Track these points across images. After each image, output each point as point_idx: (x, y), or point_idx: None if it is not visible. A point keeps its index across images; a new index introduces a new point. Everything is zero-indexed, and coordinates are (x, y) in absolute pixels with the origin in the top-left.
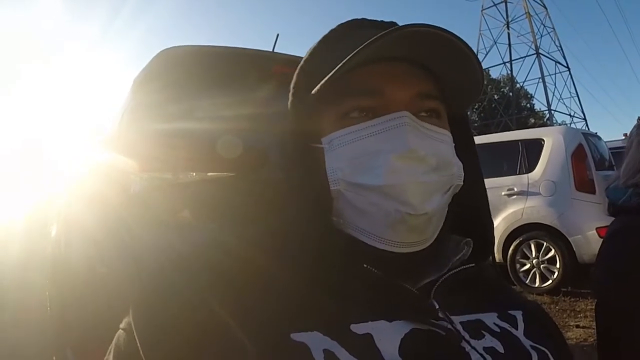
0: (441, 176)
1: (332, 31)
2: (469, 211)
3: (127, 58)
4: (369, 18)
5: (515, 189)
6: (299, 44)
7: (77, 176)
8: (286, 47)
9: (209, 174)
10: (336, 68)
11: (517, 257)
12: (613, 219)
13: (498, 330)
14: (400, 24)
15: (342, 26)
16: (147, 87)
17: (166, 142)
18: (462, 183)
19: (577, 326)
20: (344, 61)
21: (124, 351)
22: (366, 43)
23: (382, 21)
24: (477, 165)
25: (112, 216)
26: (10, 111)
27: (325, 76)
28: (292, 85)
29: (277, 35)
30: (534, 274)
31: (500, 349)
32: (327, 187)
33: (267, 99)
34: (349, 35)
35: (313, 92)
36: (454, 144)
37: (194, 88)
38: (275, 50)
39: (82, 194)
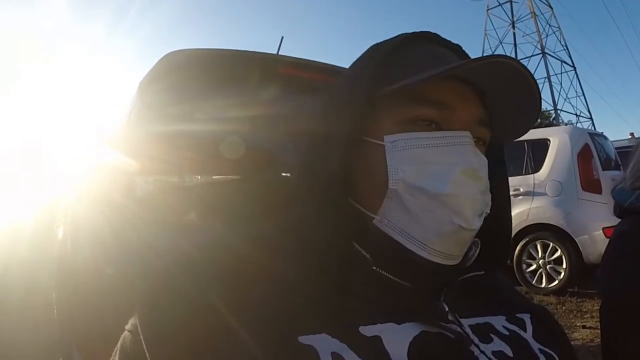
0: (484, 199)
1: (405, 37)
2: (493, 230)
3: (130, 59)
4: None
5: (521, 190)
6: (303, 46)
7: (83, 177)
8: (291, 50)
9: (215, 177)
10: (423, 76)
11: (524, 258)
12: (619, 219)
13: (507, 333)
14: (408, 24)
15: (415, 35)
16: (153, 89)
17: (172, 144)
18: (489, 211)
19: (584, 327)
20: (438, 71)
21: (130, 352)
22: (463, 62)
23: (449, 41)
24: (508, 191)
25: (118, 218)
26: (10, 111)
27: (401, 80)
28: (352, 77)
29: (282, 37)
30: (541, 274)
31: (509, 353)
32: (373, 184)
33: (273, 101)
34: (422, 47)
35: (389, 88)
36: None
37: (199, 90)
38: (280, 53)
39: (89, 195)
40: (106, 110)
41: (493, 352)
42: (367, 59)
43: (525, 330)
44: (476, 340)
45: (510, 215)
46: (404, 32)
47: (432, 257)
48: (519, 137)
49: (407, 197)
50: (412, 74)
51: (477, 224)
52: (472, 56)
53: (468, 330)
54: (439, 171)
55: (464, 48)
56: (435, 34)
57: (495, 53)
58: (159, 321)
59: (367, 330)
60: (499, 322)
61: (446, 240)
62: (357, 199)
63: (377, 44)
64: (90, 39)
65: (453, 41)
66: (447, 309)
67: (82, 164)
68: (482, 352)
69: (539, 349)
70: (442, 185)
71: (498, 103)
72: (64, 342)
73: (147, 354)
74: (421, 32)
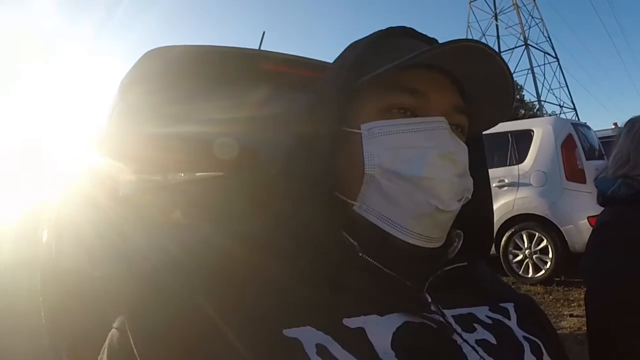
0: (462, 183)
1: (382, 33)
2: (474, 221)
3: (120, 59)
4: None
5: (506, 180)
6: (285, 42)
7: (67, 179)
8: (272, 45)
9: (198, 174)
10: (395, 63)
11: (510, 248)
12: (603, 208)
13: (490, 322)
14: (394, 18)
15: (392, 30)
16: (134, 89)
17: (154, 144)
18: (470, 197)
19: (571, 315)
20: (406, 57)
21: (118, 350)
22: (429, 48)
23: (425, 35)
24: (489, 182)
25: (102, 219)
26: (9, 111)
27: (377, 70)
28: (334, 73)
29: (264, 33)
30: (527, 264)
31: (492, 341)
32: (351, 171)
33: (259, 98)
34: (400, 40)
35: (364, 78)
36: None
37: (182, 88)
38: (264, 48)
39: (73, 197)
40: (93, 111)
41: (476, 341)
42: (345, 57)
43: (509, 319)
44: (459, 329)
45: (492, 207)
46: (387, 25)
47: (412, 239)
48: (497, 124)
49: (384, 181)
50: (387, 65)
51: (455, 206)
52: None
53: (451, 320)
54: (414, 155)
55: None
56: (411, 28)
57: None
58: (147, 320)
59: (351, 322)
60: (482, 312)
61: (424, 222)
62: (340, 190)
63: (355, 41)
64: (87, 37)
65: (436, 34)
66: (429, 300)
67: (67, 166)
68: (464, 340)
69: (523, 337)
70: (418, 168)
71: (474, 91)
72: (54, 347)
73: (135, 351)
74: (397, 27)
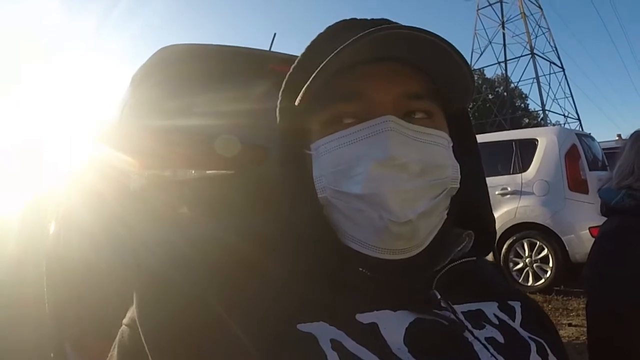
0: (428, 181)
1: (320, 35)
2: (470, 207)
3: (122, 55)
4: (359, 17)
5: (509, 189)
6: (296, 43)
7: (76, 172)
8: (283, 46)
9: (208, 171)
10: (311, 77)
11: (511, 256)
12: (605, 219)
13: (497, 322)
14: (395, 21)
15: (330, 29)
16: (146, 84)
17: (165, 139)
18: (457, 185)
19: (570, 325)
20: (318, 69)
21: (129, 346)
22: (339, 49)
23: (372, 19)
24: (479, 161)
25: (110, 213)
26: (8, 109)
27: (306, 84)
28: (280, 92)
29: (275, 34)
30: (527, 272)
31: (501, 339)
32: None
33: (265, 96)
34: (334, 40)
35: (296, 102)
36: (452, 143)
37: (192, 85)
38: (273, 49)
39: (81, 190)
40: (99, 106)
41: (486, 339)
42: (290, 69)
43: (514, 319)
44: (469, 326)
45: (486, 188)
46: (389, 19)
47: (379, 254)
48: (469, 98)
49: (338, 202)
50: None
51: (412, 214)
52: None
53: (461, 317)
54: (353, 171)
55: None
56: (353, 19)
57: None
58: (158, 316)
59: (364, 318)
60: (490, 309)
61: (383, 237)
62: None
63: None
64: (87, 33)
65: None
66: (439, 297)
67: (74, 159)
68: (475, 338)
69: (529, 337)
70: (357, 185)
71: (433, 72)
72: (56, 337)
73: (146, 348)
74: (336, 23)
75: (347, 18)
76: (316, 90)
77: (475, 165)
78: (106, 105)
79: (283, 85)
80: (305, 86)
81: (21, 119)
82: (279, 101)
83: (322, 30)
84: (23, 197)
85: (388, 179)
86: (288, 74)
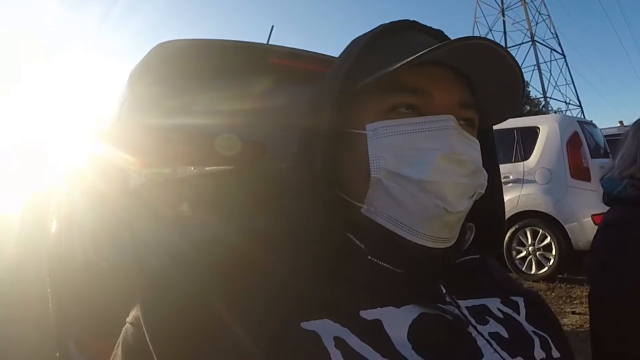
0: (473, 181)
1: (385, 27)
2: (486, 214)
3: (120, 52)
4: (421, 22)
5: (511, 177)
6: (293, 36)
7: (77, 170)
8: (281, 39)
9: (207, 168)
10: (398, 64)
11: (513, 245)
12: (608, 207)
13: (502, 316)
14: (390, 17)
15: (395, 24)
16: (144, 81)
17: (164, 137)
18: (483, 192)
19: (573, 312)
20: (409, 59)
21: (133, 345)
22: (432, 48)
23: (431, 27)
24: (499, 174)
25: (111, 211)
26: (8, 109)
27: (379, 70)
28: (330, 75)
29: (272, 27)
30: (530, 261)
31: (505, 334)
32: (358, 173)
33: (266, 92)
34: (401, 36)
35: (364, 82)
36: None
37: (191, 81)
38: (270, 42)
39: (82, 188)
40: (99, 105)
41: (489, 334)
42: (346, 54)
43: (518, 314)
44: (473, 321)
45: (502, 199)
46: (393, 19)
47: (422, 240)
48: (507, 119)
49: (391, 184)
50: (389, 64)
51: (463, 206)
52: None
53: (465, 312)
54: (420, 157)
55: (453, 36)
56: (415, 21)
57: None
58: (160, 315)
59: (368, 314)
60: (494, 304)
61: (433, 224)
62: (346, 191)
63: (358, 37)
64: (82, 35)
65: (442, 28)
66: (444, 291)
67: (74, 159)
68: (479, 333)
69: (533, 331)
70: (423, 171)
71: (483, 86)
72: (60, 336)
73: (150, 346)
74: (400, 20)
75: (409, 19)
76: (388, 76)
77: (496, 178)
78: (106, 104)
79: (338, 66)
80: (392, 69)
81: (21, 119)
82: (328, 80)
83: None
84: (22, 197)
85: (451, 171)
86: (347, 54)
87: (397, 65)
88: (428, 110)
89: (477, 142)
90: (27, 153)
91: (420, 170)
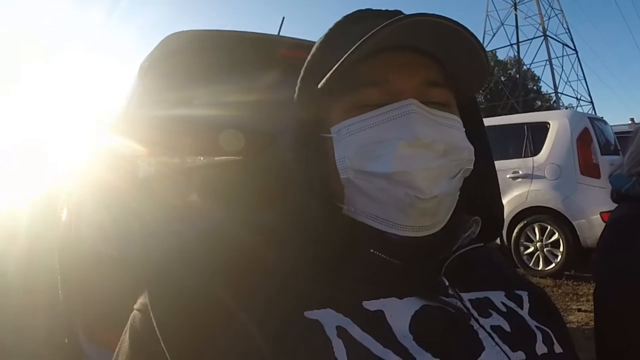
0: (449, 161)
1: (336, 24)
2: (479, 192)
3: (129, 44)
4: (374, 8)
5: (520, 172)
6: (305, 28)
7: (86, 160)
8: (292, 31)
9: (216, 158)
10: (339, 62)
11: (521, 240)
12: (616, 204)
13: (505, 309)
14: (406, 11)
15: (346, 18)
16: (154, 73)
17: (173, 128)
18: (472, 167)
19: (579, 310)
20: (346, 54)
21: (140, 331)
22: (367, 35)
23: (386, 10)
24: (488, 148)
25: (120, 201)
26: (8, 109)
27: (331, 69)
28: (299, 78)
29: (283, 18)
30: (538, 257)
31: (507, 328)
32: (335, 176)
33: (274, 84)
34: (354, 27)
35: (319, 86)
36: (464, 129)
37: (200, 72)
38: (281, 34)
39: (91, 178)
40: (99, 104)
41: (492, 327)
42: (307, 59)
43: (522, 308)
44: (475, 314)
45: (496, 179)
46: (406, 11)
47: (403, 232)
48: (481, 88)
49: (360, 182)
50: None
51: (439, 190)
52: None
53: (468, 305)
54: (382, 150)
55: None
56: (367, 9)
57: (426, 14)
58: (169, 303)
59: (371, 305)
60: (497, 297)
61: (409, 214)
62: (332, 193)
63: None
64: (82, 35)
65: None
66: (447, 284)
67: (83, 149)
68: (481, 326)
69: (535, 326)
70: (385, 165)
71: (452, 62)
72: (70, 325)
73: (157, 332)
74: (353, 12)
75: (362, 8)
76: (339, 75)
77: (485, 153)
78: (113, 97)
79: (303, 70)
80: (333, 69)
81: (21, 119)
82: (298, 85)
83: (335, 18)
84: (24, 196)
85: (416, 158)
86: (309, 58)
87: (339, 62)
88: (388, 98)
89: (454, 117)
90: (27, 153)
91: (383, 163)
